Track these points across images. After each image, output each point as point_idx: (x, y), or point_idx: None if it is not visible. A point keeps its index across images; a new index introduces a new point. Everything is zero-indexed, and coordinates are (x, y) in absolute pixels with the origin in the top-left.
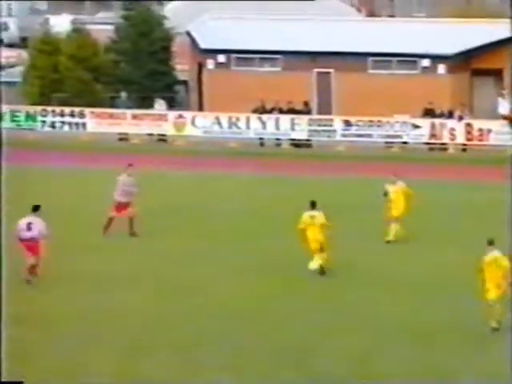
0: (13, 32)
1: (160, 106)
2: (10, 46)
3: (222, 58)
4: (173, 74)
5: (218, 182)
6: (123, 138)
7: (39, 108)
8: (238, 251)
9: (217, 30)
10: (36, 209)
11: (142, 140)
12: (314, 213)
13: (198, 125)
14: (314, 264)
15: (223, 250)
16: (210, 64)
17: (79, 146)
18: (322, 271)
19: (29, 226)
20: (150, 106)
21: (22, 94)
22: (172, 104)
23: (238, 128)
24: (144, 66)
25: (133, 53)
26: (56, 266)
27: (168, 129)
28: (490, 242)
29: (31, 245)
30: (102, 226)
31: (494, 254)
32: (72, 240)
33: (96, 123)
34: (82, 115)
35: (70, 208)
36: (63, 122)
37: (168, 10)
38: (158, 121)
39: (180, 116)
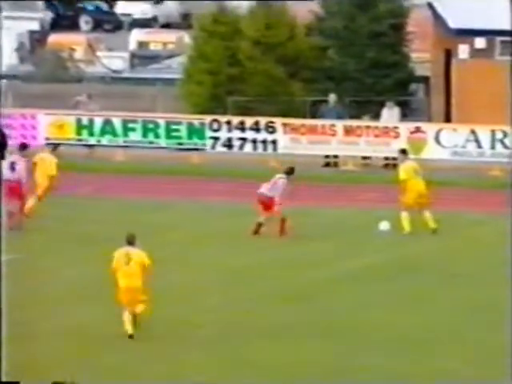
0: (171, 6)
1: (390, 112)
2: (166, 25)
3: (480, 43)
4: (407, 66)
5: (473, 225)
6: (330, 162)
7: (209, 118)
8: None
9: (474, 2)
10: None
11: (359, 165)
12: (131, 249)
13: (445, 143)
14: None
15: None
16: (462, 51)
17: (267, 173)
18: (131, 336)
19: None
20: (373, 114)
21: (184, 98)
22: (405, 111)
23: (506, 148)
24: (363, 55)
25: (347, 35)
26: None
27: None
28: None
29: None
30: None
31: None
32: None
33: (291, 141)
34: (270, 129)
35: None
36: (243, 139)
37: None
38: (384, 137)
39: (417, 129)
